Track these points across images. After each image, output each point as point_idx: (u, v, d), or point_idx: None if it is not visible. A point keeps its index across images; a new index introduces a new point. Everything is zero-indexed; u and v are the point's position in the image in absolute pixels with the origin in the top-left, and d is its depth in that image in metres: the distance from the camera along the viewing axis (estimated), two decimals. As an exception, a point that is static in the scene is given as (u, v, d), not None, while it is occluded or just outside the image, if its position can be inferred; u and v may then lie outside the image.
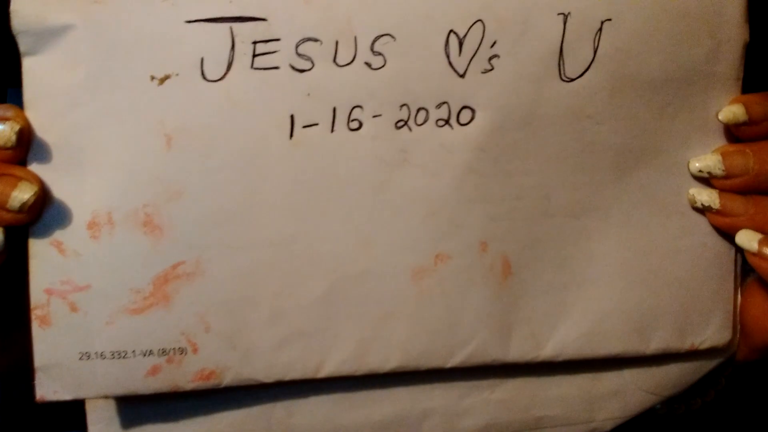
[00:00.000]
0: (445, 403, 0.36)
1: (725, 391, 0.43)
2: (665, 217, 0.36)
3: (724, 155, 0.34)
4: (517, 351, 0.35)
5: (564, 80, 0.33)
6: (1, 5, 0.28)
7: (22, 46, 0.29)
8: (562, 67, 0.33)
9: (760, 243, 0.34)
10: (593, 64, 0.33)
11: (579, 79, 0.33)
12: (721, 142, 0.36)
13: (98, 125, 0.30)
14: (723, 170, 0.34)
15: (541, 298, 0.35)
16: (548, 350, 0.35)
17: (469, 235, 0.33)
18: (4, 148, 0.29)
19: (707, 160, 0.35)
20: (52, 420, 0.49)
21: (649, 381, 0.38)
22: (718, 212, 0.35)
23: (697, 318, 0.36)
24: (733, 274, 0.37)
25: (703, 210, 0.35)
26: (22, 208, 0.29)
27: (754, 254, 0.34)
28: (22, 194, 0.29)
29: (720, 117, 0.34)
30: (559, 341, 0.35)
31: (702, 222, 0.36)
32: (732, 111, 0.34)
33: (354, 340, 0.33)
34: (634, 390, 0.38)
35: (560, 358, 0.35)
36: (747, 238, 0.34)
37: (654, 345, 0.36)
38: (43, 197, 0.30)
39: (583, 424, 0.38)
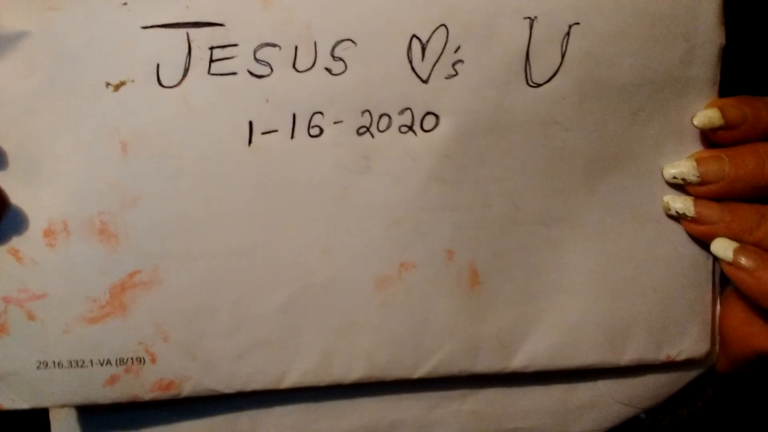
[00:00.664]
0: (414, 414, 0.36)
1: (712, 402, 0.42)
2: (639, 225, 0.35)
3: (699, 161, 0.33)
4: (485, 362, 0.34)
5: (531, 85, 0.32)
6: None
7: None
8: (528, 72, 0.32)
9: (735, 252, 0.33)
10: (561, 69, 0.32)
11: (546, 85, 0.32)
12: (696, 148, 0.35)
13: (54, 132, 0.30)
14: (698, 176, 0.33)
15: (510, 307, 0.34)
16: (517, 361, 0.34)
17: (434, 244, 0.33)
18: None
19: (681, 167, 0.34)
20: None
21: (625, 392, 0.37)
22: (693, 220, 0.34)
23: (673, 329, 0.35)
24: (711, 284, 0.36)
25: (678, 217, 0.34)
26: None
27: (729, 264, 0.33)
28: None
29: (695, 122, 0.33)
30: (529, 352, 0.34)
31: (678, 230, 0.35)
32: (707, 115, 0.33)
33: (317, 350, 0.33)
34: (609, 402, 0.37)
35: (530, 369, 0.34)
36: (722, 247, 0.33)
37: (628, 356, 0.35)
38: (2, 205, 0.30)
39: None
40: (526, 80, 0.32)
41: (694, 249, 0.35)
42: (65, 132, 0.30)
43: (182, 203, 0.31)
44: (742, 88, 0.35)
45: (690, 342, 0.36)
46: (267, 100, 0.31)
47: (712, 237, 0.33)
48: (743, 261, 0.33)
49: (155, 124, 0.30)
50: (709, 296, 0.36)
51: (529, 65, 0.32)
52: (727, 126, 0.33)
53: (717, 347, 0.37)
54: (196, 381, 0.32)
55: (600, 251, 0.35)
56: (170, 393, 0.32)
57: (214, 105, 0.30)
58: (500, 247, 0.33)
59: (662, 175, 0.34)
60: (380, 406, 0.35)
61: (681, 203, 0.34)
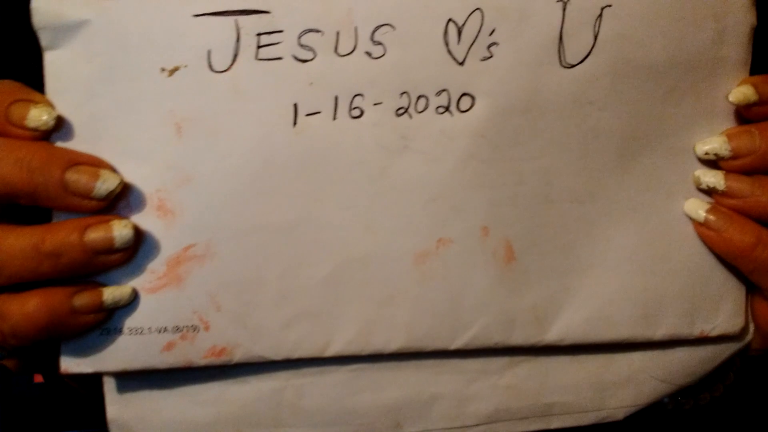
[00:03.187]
0: (453, 387, 0.37)
1: (734, 387, 0.42)
2: (672, 202, 0.36)
3: (730, 136, 0.34)
4: (520, 335, 0.35)
5: (564, 66, 0.33)
6: (23, 3, 0.31)
7: (43, 41, 0.31)
8: (562, 53, 0.33)
9: (707, 212, 0.34)
10: (594, 51, 0.33)
11: (579, 66, 0.34)
12: (728, 125, 0.35)
13: (113, 115, 0.32)
14: (730, 150, 0.34)
15: (545, 282, 0.35)
16: (552, 334, 0.35)
17: (470, 220, 0.34)
18: (40, 129, 0.31)
19: (714, 142, 0.34)
20: (52, 420, 0.51)
21: (662, 369, 0.38)
22: (723, 194, 0.34)
23: (706, 304, 0.36)
24: None
25: (708, 192, 0.35)
26: (108, 197, 0.31)
27: (700, 224, 0.34)
28: (107, 184, 0.31)
29: (730, 98, 0.34)
30: (564, 325, 0.35)
31: None
32: (742, 92, 0.34)
33: (358, 321, 0.34)
34: (645, 378, 0.38)
35: (565, 342, 0.36)
36: (693, 207, 0.34)
37: (662, 331, 0.36)
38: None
39: (594, 411, 0.38)
40: (560, 61, 0.33)
41: None
42: (124, 114, 0.32)
43: (232, 181, 0.33)
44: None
45: (724, 318, 0.36)
46: (311, 84, 0.32)
47: (744, 211, 0.34)
48: (713, 221, 0.34)
49: (207, 107, 0.32)
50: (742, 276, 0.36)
51: (563, 47, 0.33)
52: (761, 101, 0.34)
53: (750, 323, 0.37)
54: (246, 348, 0.34)
55: (633, 228, 0.36)
56: (222, 359, 0.34)
57: (261, 89, 0.32)
58: (535, 223, 0.35)
59: (694, 152, 0.35)
60: (420, 380, 0.37)
61: (712, 177, 0.35)
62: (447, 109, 0.33)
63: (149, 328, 0.33)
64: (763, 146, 0.33)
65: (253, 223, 0.33)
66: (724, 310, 0.36)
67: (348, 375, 0.36)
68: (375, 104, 0.33)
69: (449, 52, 0.33)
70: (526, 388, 0.38)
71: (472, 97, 0.33)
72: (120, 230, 0.31)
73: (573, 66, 0.33)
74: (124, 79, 0.31)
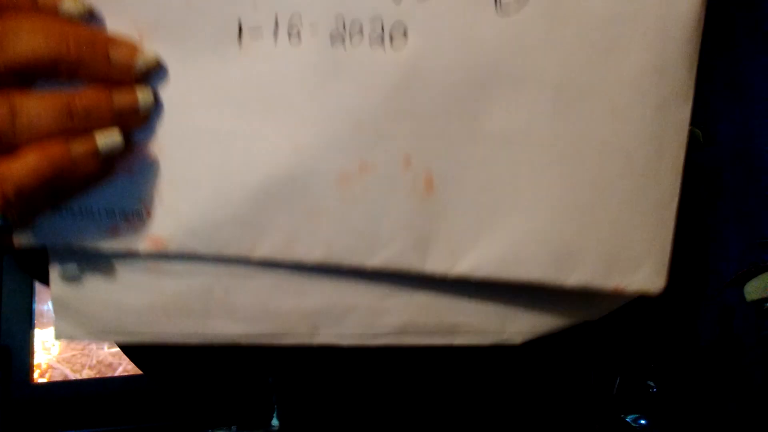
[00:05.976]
0: (368, 301, 0.40)
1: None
2: (605, 156, 0.36)
3: None
4: (433, 263, 0.37)
5: (500, 13, 0.34)
6: None
7: None
8: (498, 1, 0.34)
9: None
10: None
11: (515, 13, 0.34)
12: (678, 87, 0.35)
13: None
14: None
15: (462, 217, 0.37)
16: (463, 266, 0.37)
17: (392, 148, 0.36)
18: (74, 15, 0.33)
19: None
20: (52, 420, 0.56)
21: (567, 304, 0.39)
22: None
23: (626, 260, 0.37)
24: (672, 224, 0.36)
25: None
26: (148, 71, 0.34)
27: None
28: (146, 59, 0.34)
29: None
30: (475, 259, 0.37)
31: (646, 170, 0.36)
32: None
33: (283, 231, 0.37)
34: (549, 308, 0.40)
35: (474, 276, 0.37)
36: None
37: (574, 279, 0.37)
38: None
39: (494, 333, 0.40)
40: (495, 7, 0.34)
41: (661, 187, 0.36)
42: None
43: (181, 86, 0.36)
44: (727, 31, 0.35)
45: (644, 275, 0.37)
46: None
47: None
48: None
49: (163, 17, 0.35)
50: (669, 236, 0.37)
51: None
52: None
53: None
54: (180, 241, 0.37)
55: (559, 176, 0.36)
56: (159, 248, 0.38)
57: (209, 3, 0.35)
58: (458, 159, 0.36)
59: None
60: (338, 291, 0.39)
61: None
62: (381, 41, 0.35)
63: (98, 210, 0.37)
64: None
65: (196, 129, 0.36)
66: (644, 267, 0.37)
67: (273, 280, 0.39)
68: (311, 24, 0.35)
69: None
70: (435, 307, 0.40)
71: (406, 33, 0.34)
72: (143, 94, 0.35)
73: (508, 13, 0.34)
74: None
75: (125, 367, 1.80)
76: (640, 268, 0.37)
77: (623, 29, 0.34)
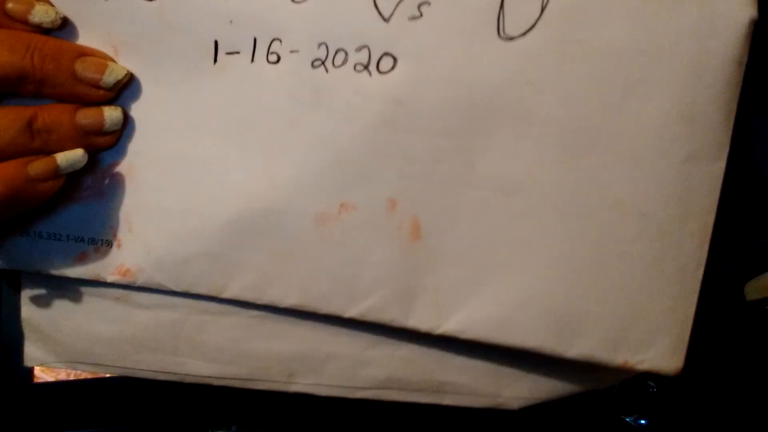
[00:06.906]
0: (349, 350, 0.36)
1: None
2: (619, 214, 0.31)
3: None
4: (417, 319, 0.33)
5: (502, 38, 0.30)
6: None
7: None
8: (501, 23, 0.29)
9: None
10: (538, 23, 0.29)
11: (520, 39, 0.30)
12: (708, 134, 0.30)
13: (55, 33, 0.33)
14: None
15: (452, 270, 0.32)
16: (451, 324, 0.33)
17: (377, 190, 0.32)
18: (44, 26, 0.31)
19: None
20: (52, 420, 0.55)
21: (569, 373, 0.35)
22: None
23: (638, 334, 0.32)
24: (695, 297, 0.31)
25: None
26: (116, 86, 0.32)
27: None
28: (115, 74, 0.32)
29: None
30: (464, 319, 0.33)
31: (666, 233, 0.31)
32: None
33: (256, 271, 0.34)
34: (551, 375, 0.35)
35: (463, 336, 0.33)
36: None
37: (575, 350, 0.32)
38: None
39: (488, 396, 0.36)
40: (498, 32, 0.30)
41: (684, 253, 0.31)
42: (65, 34, 0.33)
43: (157, 109, 0.33)
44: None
45: (657, 353, 0.32)
46: (231, 21, 0.31)
47: None
48: None
49: (138, 35, 0.32)
50: (691, 310, 0.32)
51: (503, 15, 0.29)
52: None
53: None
54: (148, 274, 0.35)
55: (565, 234, 0.32)
56: (127, 279, 0.35)
57: (184, 22, 0.32)
58: (449, 206, 0.32)
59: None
60: (317, 338, 0.36)
61: None
62: (366, 67, 0.31)
63: (67, 236, 0.35)
64: None
65: (169, 154, 0.33)
66: (659, 344, 0.32)
67: (248, 320, 0.36)
68: (291, 51, 0.31)
69: (375, 5, 0.30)
70: (422, 362, 0.36)
71: (394, 59, 0.31)
72: (110, 112, 0.32)
73: (513, 38, 0.30)
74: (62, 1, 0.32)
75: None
76: (654, 344, 0.32)
77: (647, 68, 0.29)
